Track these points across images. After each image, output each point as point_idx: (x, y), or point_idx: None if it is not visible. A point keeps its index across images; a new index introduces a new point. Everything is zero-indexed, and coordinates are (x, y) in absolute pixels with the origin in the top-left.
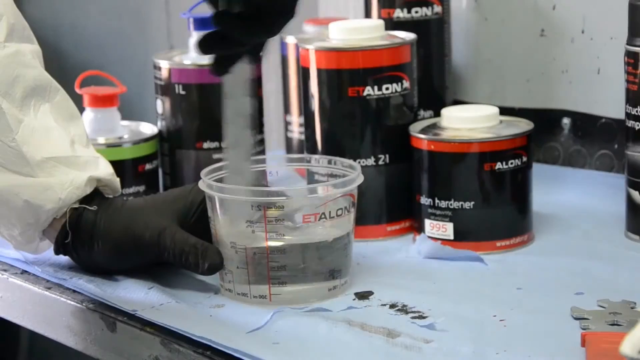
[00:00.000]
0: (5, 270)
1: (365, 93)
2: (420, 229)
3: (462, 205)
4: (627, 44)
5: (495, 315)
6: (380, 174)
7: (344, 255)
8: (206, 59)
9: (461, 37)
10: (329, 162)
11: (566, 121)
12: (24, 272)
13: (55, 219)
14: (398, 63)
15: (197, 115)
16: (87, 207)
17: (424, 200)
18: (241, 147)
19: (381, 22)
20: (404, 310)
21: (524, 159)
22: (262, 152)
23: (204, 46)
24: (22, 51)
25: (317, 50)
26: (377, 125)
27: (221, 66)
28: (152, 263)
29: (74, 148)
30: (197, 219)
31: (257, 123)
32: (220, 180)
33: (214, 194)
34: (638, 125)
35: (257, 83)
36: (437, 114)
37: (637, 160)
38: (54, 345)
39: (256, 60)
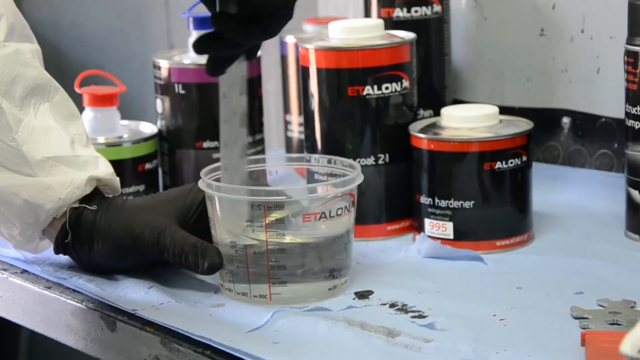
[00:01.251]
0: (5, 270)
1: (364, 92)
2: (420, 228)
3: (462, 204)
4: (627, 43)
5: (495, 315)
6: (380, 174)
7: (344, 254)
8: (205, 59)
9: (461, 36)
10: (329, 161)
11: (566, 121)
12: (24, 271)
13: (55, 219)
14: (398, 62)
15: (197, 114)
16: (87, 206)
17: (424, 199)
18: (236, 145)
19: (381, 22)
20: (403, 309)
21: (524, 158)
22: (262, 151)
23: (199, 47)
24: (21, 50)
25: (316, 50)
26: (376, 125)
27: (216, 66)
28: (152, 263)
29: (74, 147)
30: (197, 218)
31: (256, 122)
32: (220, 180)
33: (213, 193)
34: (638, 125)
35: (257, 82)
36: (437, 113)
37: (637, 159)
38: (54, 345)
39: (252, 59)
